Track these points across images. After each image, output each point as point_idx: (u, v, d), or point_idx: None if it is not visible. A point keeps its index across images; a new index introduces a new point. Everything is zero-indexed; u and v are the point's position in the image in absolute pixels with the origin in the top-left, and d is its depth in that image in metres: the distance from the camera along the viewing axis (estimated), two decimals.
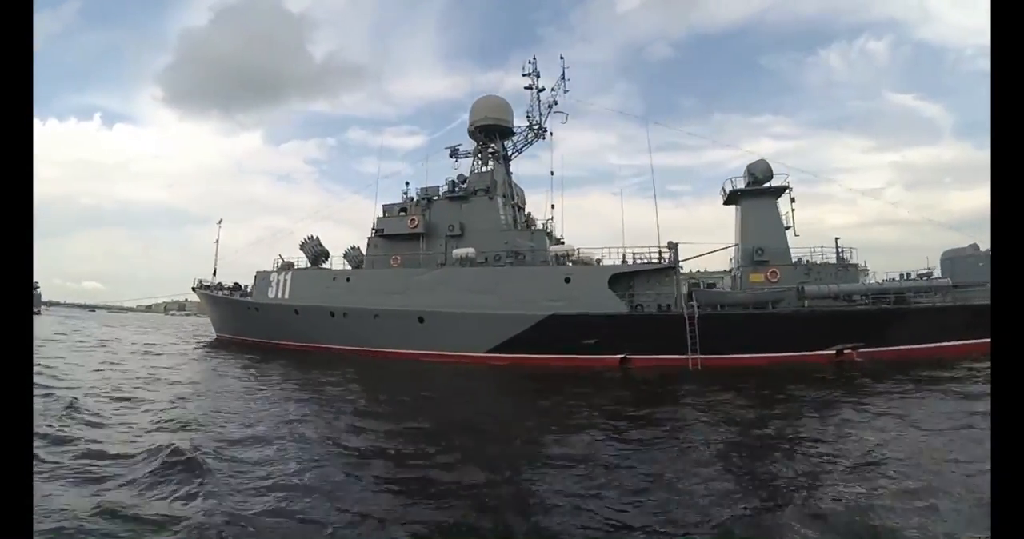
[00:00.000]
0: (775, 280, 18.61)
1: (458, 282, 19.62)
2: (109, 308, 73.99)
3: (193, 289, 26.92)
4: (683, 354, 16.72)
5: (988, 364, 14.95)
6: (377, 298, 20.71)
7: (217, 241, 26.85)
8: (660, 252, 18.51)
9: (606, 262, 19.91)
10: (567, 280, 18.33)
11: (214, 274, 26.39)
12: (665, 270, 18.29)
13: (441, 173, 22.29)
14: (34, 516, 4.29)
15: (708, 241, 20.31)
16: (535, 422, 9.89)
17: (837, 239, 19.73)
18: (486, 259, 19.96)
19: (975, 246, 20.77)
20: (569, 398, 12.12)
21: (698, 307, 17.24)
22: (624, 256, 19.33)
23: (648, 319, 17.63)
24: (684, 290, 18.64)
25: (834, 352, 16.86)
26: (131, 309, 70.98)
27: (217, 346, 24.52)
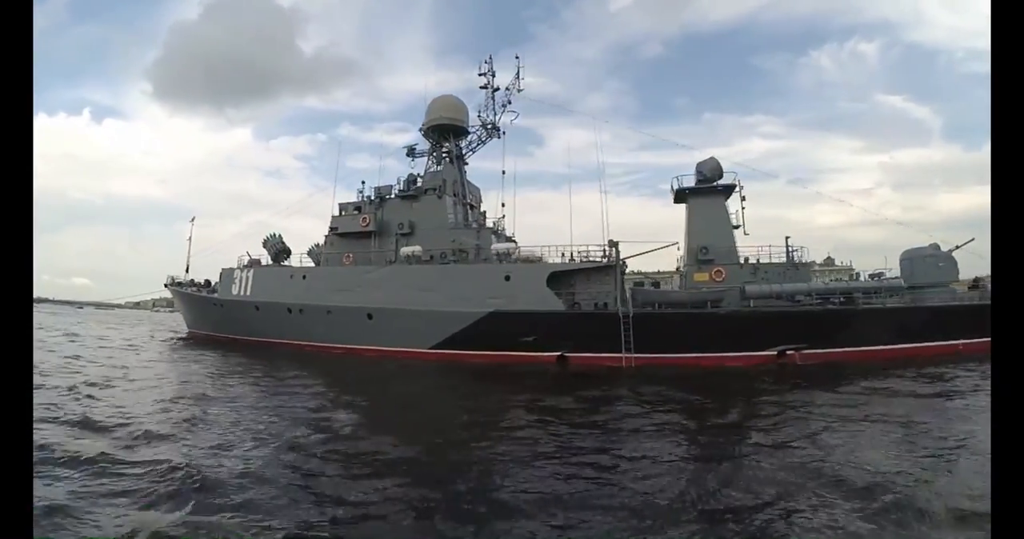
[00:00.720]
0: (720, 279, 18.30)
1: (405, 280, 19.82)
2: (98, 305, 75.99)
3: (165, 286, 27.75)
4: (619, 352, 16.58)
5: (939, 370, 14.41)
6: (330, 295, 21.03)
7: (190, 239, 27.62)
8: (605, 250, 18.39)
9: (553, 260, 19.84)
10: (507, 278, 18.35)
11: (187, 271, 27.22)
12: (606, 268, 18.15)
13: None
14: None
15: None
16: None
17: (787, 238, 19.25)
18: (431, 257, 20.11)
19: (935, 246, 19.90)
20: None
21: (635, 306, 17.09)
22: (572, 254, 19.26)
23: (584, 317, 17.53)
24: (630, 288, 18.49)
25: (776, 353, 16.44)
26: (119, 306, 72.93)
27: (183, 342, 25.17)
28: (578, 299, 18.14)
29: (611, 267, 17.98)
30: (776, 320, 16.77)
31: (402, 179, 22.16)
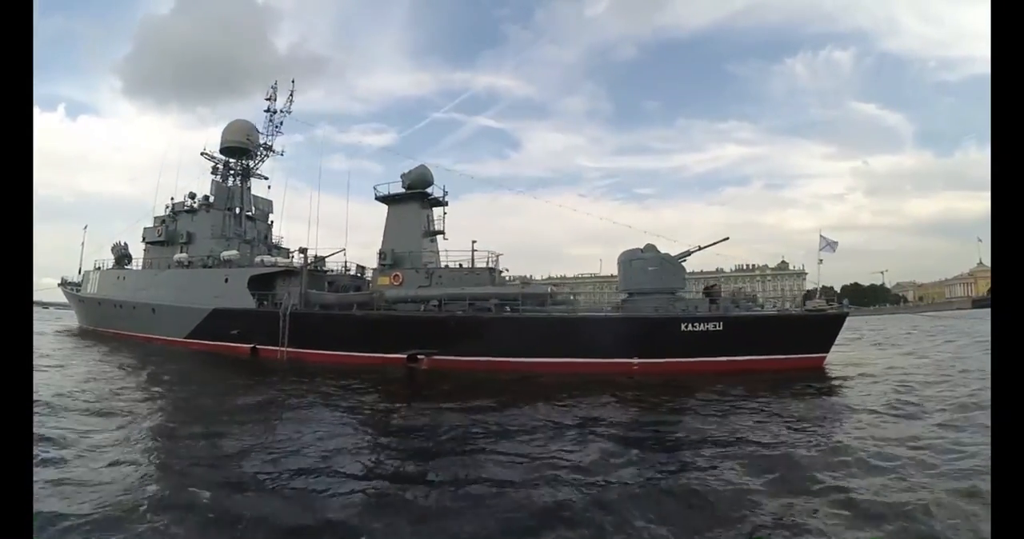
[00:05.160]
0: (398, 283, 19.85)
1: (173, 281, 23.60)
2: (63, 305, 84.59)
3: (59, 285, 33.75)
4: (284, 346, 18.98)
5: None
6: (135, 293, 25.34)
7: (83, 244, 33.17)
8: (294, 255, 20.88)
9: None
10: (226, 280, 21.45)
11: (79, 272, 32.81)
12: (295, 272, 20.63)
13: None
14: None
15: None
16: None
17: (473, 242, 20.15)
18: (190, 263, 23.64)
19: (651, 246, 18.22)
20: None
21: (307, 306, 19.40)
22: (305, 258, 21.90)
23: (262, 314, 19.99)
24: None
25: (406, 357, 16.77)
26: None
27: (63, 334, 30.67)
28: (277, 299, 20.69)
29: (292, 272, 20.45)
30: (404, 324, 17.39)
31: (187, 193, 25.95)
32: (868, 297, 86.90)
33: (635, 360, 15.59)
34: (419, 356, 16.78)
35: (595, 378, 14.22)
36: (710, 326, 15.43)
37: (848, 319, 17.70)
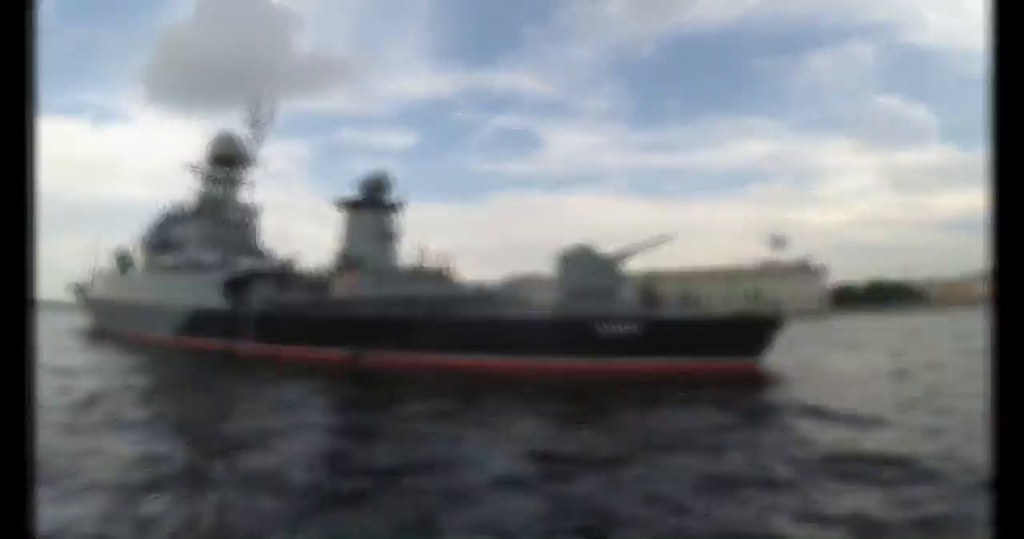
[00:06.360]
0: (352, 284, 20.86)
1: (163, 284, 25.53)
2: None
3: (71, 287, 36.44)
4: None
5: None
6: (133, 295, 27.44)
7: (96, 249, 35.64)
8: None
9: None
10: (205, 283, 23.02)
11: (91, 277, 35.38)
12: (270, 275, 21.95)
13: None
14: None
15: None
16: None
17: (423, 245, 21.10)
18: (176, 267, 25.35)
19: (587, 246, 17.57)
20: None
21: (275, 307, 20.67)
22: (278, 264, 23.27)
23: (232, 314, 21.44)
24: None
25: (349, 354, 17.82)
26: None
27: (70, 331, 33.17)
28: (252, 300, 22.02)
29: (262, 274, 21.73)
30: (346, 324, 18.46)
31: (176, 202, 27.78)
32: (891, 294, 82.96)
33: (553, 360, 15.40)
34: (359, 353, 17.76)
35: (513, 377, 14.16)
36: (626, 328, 14.89)
37: (855, 320, 16.51)
